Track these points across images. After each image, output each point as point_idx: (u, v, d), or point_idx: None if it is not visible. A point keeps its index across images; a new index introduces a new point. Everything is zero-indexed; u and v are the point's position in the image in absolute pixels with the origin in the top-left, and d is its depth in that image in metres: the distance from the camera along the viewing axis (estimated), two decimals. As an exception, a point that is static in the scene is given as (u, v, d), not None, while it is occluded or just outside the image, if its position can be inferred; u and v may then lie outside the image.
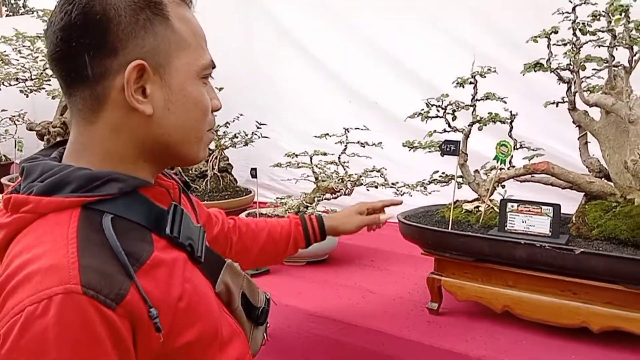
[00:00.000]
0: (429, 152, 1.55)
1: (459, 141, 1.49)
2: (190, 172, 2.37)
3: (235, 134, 2.30)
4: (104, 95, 0.75)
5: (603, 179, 1.49)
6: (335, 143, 1.93)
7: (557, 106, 1.57)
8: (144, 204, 0.78)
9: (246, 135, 2.29)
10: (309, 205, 1.92)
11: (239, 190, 2.41)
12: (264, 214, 2.12)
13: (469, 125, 1.54)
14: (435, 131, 1.61)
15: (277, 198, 2.10)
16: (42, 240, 0.68)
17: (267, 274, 1.91)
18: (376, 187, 1.93)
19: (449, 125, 1.61)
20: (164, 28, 0.77)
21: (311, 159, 2.00)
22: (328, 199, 1.91)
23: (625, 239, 1.29)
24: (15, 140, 3.31)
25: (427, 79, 2.47)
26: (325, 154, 1.98)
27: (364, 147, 1.90)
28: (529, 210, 1.34)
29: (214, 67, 0.85)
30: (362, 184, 1.94)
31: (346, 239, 2.11)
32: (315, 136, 2.01)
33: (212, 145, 2.40)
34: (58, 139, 2.91)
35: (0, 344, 0.62)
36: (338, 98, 2.75)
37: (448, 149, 1.47)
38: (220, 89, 2.36)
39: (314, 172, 1.99)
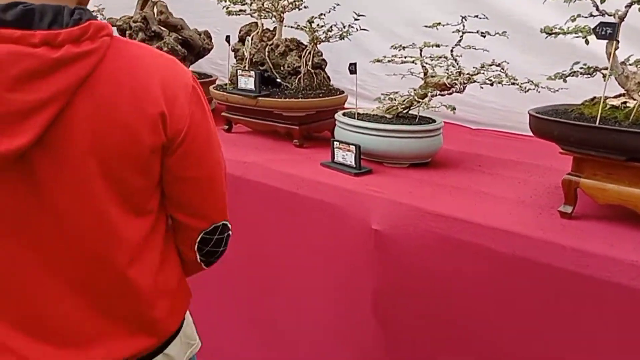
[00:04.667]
0: (576, 37, 1.36)
1: (616, 23, 1.30)
2: (282, 68, 2.25)
3: (330, 26, 2.14)
4: None
5: None
6: (452, 32, 1.75)
7: None
8: None
9: (343, 27, 2.11)
10: (419, 100, 1.78)
11: (332, 89, 2.28)
12: (363, 114, 1.99)
13: (626, 6, 1.34)
14: (580, 15, 1.41)
15: (382, 94, 1.96)
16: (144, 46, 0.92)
17: (369, 174, 1.82)
18: (491, 84, 1.75)
19: (597, 9, 1.40)
20: None
21: (421, 51, 1.84)
22: (441, 95, 1.75)
23: None
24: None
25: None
26: (438, 46, 1.81)
27: (484, 37, 1.70)
28: None
29: None
30: (475, 82, 1.77)
31: (446, 144, 1.98)
32: (426, 26, 1.83)
33: (306, 39, 2.25)
34: (140, 34, 2.84)
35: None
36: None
37: (604, 33, 1.28)
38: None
39: (423, 66, 1.83)
